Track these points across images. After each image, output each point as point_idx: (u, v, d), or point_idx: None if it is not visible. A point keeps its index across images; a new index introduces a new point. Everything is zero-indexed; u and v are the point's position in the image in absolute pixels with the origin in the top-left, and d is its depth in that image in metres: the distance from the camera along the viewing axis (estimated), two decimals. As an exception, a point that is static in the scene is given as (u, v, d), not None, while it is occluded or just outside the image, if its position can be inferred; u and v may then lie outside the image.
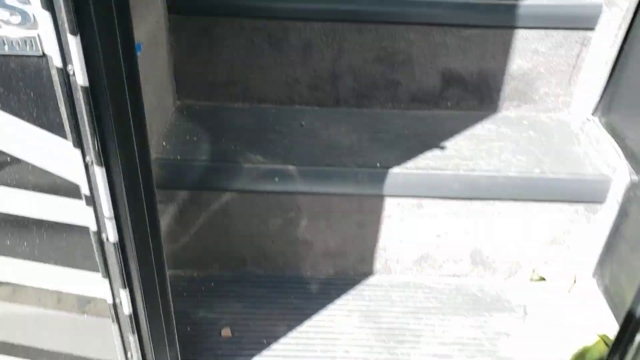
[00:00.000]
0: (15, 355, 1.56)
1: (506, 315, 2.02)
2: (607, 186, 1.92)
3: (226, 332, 1.93)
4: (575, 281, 2.05)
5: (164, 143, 2.00)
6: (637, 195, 1.82)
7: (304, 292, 2.11)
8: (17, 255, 1.35)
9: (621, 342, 1.52)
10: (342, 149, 2.04)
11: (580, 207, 1.97)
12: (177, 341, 1.68)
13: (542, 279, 2.09)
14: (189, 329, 1.93)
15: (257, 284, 2.13)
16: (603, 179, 1.92)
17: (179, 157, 1.94)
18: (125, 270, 1.32)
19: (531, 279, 2.10)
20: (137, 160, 1.21)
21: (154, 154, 1.43)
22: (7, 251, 1.35)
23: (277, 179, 1.93)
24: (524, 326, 1.96)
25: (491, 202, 1.97)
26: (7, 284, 1.42)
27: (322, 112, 2.24)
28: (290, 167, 1.93)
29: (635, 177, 1.83)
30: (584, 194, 1.95)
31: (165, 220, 2.00)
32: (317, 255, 2.13)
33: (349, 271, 2.16)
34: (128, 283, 1.35)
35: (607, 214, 1.94)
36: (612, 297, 1.97)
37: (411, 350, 1.89)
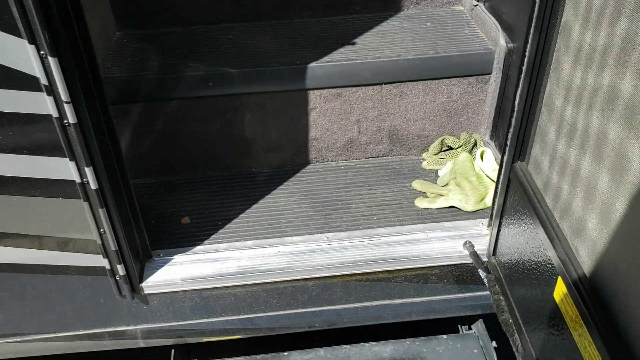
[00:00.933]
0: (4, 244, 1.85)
1: (421, 180, 2.38)
2: (492, 57, 2.27)
3: (186, 220, 2.25)
4: (476, 145, 2.42)
5: (109, 65, 2.27)
6: (514, 59, 2.18)
7: (251, 183, 2.44)
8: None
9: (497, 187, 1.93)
10: (266, 54, 2.34)
11: (472, 80, 2.32)
12: (143, 227, 2.00)
13: (450, 147, 2.46)
14: (152, 222, 2.24)
15: (209, 183, 2.44)
16: (488, 52, 2.28)
17: (123, 75, 2.22)
18: (87, 150, 1.62)
19: (440, 150, 2.46)
20: (82, 50, 1.50)
21: (101, 74, 1.71)
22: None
23: (211, 84, 2.23)
24: (437, 184, 2.33)
25: (397, 84, 2.30)
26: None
27: (247, 26, 2.53)
28: (222, 71, 2.22)
29: (511, 45, 2.18)
30: (473, 67, 2.30)
31: (121, 134, 2.28)
32: (259, 152, 2.45)
33: (289, 163, 2.49)
34: (91, 161, 1.64)
35: (494, 81, 2.30)
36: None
37: (343, 214, 2.25)
